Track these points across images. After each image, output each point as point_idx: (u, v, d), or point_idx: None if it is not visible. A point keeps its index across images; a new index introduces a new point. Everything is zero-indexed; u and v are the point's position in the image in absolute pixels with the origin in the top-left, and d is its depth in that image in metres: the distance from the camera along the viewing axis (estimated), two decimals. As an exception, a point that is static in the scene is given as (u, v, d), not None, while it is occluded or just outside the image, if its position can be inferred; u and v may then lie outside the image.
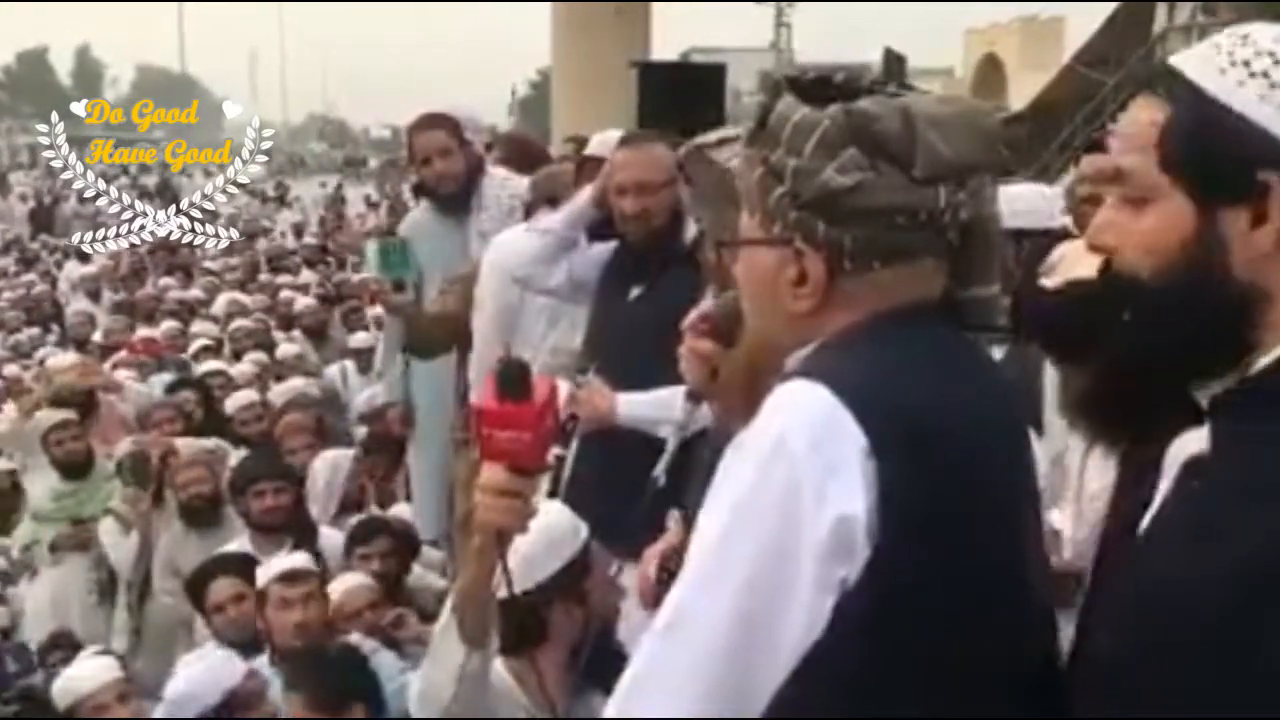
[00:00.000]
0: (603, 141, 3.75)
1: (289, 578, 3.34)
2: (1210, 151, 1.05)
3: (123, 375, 6.96)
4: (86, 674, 3.55)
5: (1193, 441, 1.10)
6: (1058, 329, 1.27)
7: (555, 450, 1.62)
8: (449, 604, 2.01)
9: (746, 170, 1.26)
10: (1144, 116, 1.10)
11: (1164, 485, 1.11)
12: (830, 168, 1.17)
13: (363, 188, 28.20)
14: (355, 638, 3.31)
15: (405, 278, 3.54)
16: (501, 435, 1.52)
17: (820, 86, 1.24)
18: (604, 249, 3.20)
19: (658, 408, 2.72)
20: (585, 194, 3.20)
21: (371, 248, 4.18)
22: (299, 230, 18.13)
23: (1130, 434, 1.17)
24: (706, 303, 2.03)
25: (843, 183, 1.17)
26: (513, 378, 1.52)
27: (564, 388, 1.60)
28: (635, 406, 2.81)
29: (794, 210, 1.20)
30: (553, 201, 3.61)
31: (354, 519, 4.38)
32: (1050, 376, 2.55)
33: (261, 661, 3.30)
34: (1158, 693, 1.02)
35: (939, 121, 1.18)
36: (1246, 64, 1.05)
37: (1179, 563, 1.03)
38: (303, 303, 8.52)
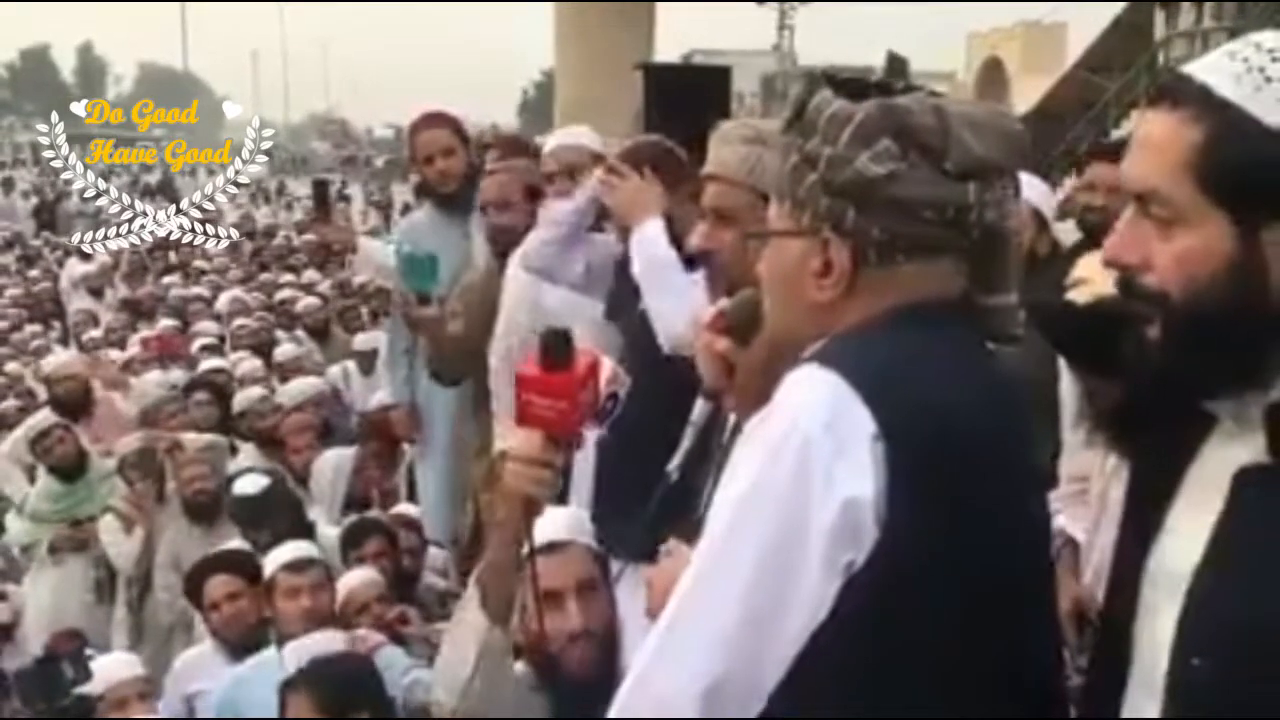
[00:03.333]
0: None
1: (296, 566, 3.35)
2: (1258, 176, 1.01)
3: (150, 375, 6.94)
4: (106, 671, 3.53)
5: (1233, 451, 1.08)
6: (1084, 344, 1.26)
7: (594, 430, 1.60)
8: (474, 576, 1.94)
9: (779, 159, 1.27)
10: (1167, 132, 1.05)
11: (1208, 497, 1.08)
12: (864, 156, 1.18)
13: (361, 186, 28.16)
14: (362, 631, 3.30)
15: (431, 291, 3.47)
16: (540, 402, 1.53)
17: (855, 84, 1.25)
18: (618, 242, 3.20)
19: (673, 270, 2.66)
20: (594, 180, 3.19)
21: (371, 243, 4.07)
22: (301, 229, 18.08)
23: (1145, 446, 1.15)
24: (722, 300, 2.02)
25: (877, 171, 1.18)
26: (556, 346, 1.53)
27: (607, 365, 1.60)
28: (660, 246, 2.74)
29: (825, 197, 1.21)
30: (534, 192, 3.59)
31: (347, 521, 4.34)
32: (1066, 387, 2.53)
33: (267, 656, 3.27)
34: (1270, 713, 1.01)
35: (971, 120, 1.20)
36: (1262, 70, 1.02)
37: (1273, 581, 1.01)
38: (306, 302, 8.50)
